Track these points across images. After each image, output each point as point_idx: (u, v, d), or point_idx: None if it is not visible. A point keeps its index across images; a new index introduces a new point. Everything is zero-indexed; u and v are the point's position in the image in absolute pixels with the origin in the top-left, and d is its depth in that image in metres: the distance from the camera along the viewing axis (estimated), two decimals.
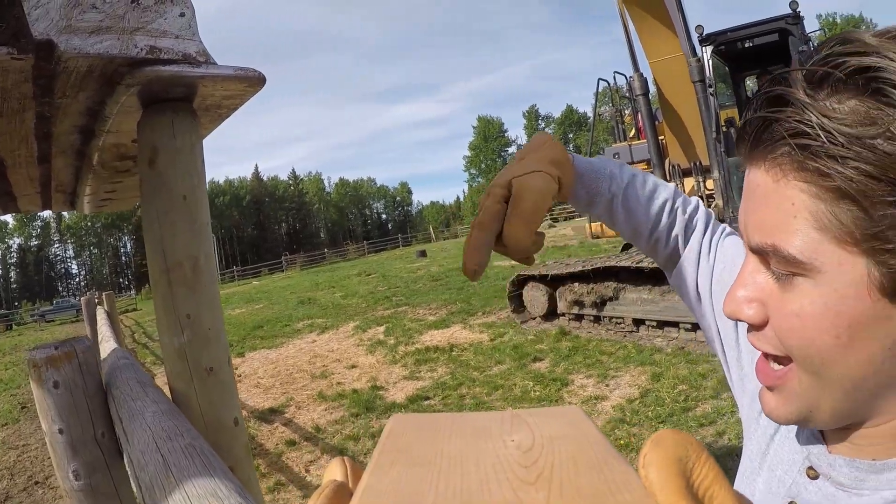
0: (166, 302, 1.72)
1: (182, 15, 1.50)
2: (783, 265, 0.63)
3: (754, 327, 0.69)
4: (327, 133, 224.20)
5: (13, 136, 1.89)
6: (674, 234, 1.07)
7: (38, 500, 6.93)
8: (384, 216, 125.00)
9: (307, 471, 6.38)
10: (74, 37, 1.33)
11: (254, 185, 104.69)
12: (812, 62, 0.60)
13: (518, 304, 11.71)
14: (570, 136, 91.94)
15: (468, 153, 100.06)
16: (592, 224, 10.91)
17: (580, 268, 9.90)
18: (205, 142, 1.89)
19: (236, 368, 11.88)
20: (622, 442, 5.73)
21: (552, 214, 52.13)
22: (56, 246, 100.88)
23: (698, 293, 1.04)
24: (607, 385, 7.51)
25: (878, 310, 0.59)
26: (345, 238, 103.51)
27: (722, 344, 1.01)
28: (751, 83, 11.89)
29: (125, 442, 1.46)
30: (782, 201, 0.61)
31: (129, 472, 1.33)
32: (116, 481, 1.73)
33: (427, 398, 8.08)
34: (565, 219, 47.70)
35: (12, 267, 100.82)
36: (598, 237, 11.05)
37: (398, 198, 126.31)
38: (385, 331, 13.13)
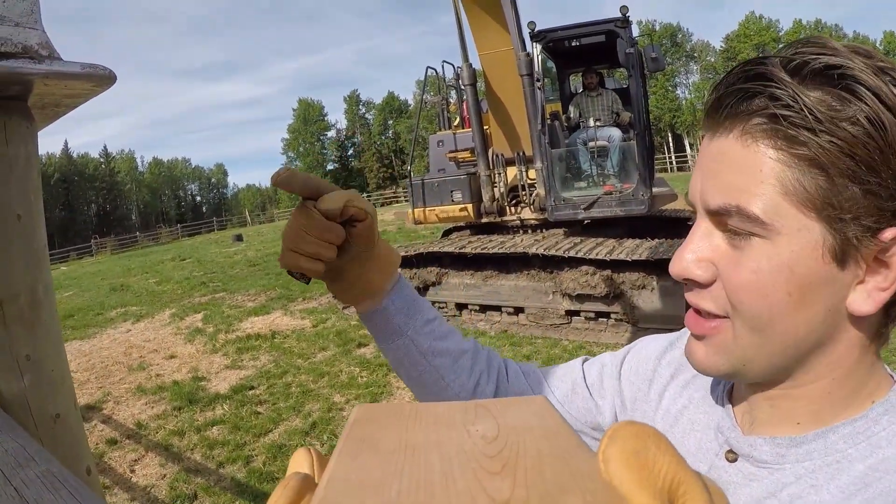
0: (0, 341, 1.48)
1: None
2: (745, 224, 0.67)
3: (699, 286, 0.73)
4: (141, 110, 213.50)
5: None
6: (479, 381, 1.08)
7: None
8: (199, 198, 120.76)
9: (132, 471, 6.05)
10: None
11: (63, 162, 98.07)
12: (787, 53, 0.67)
13: None
14: (390, 122, 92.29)
15: (287, 136, 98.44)
16: (416, 210, 11.03)
17: (403, 252, 10.00)
18: None
19: None
20: None
21: (369, 200, 52.45)
22: None
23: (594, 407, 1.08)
24: None
25: (826, 273, 0.65)
26: (157, 221, 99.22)
27: (613, 406, 1.05)
28: (574, 80, 12.36)
29: None
30: (751, 166, 0.66)
31: None
32: None
33: (252, 387, 7.91)
34: (382, 204, 47.93)
35: None
36: (420, 223, 11.19)
37: (213, 179, 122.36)
38: (203, 318, 12.72)
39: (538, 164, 9.58)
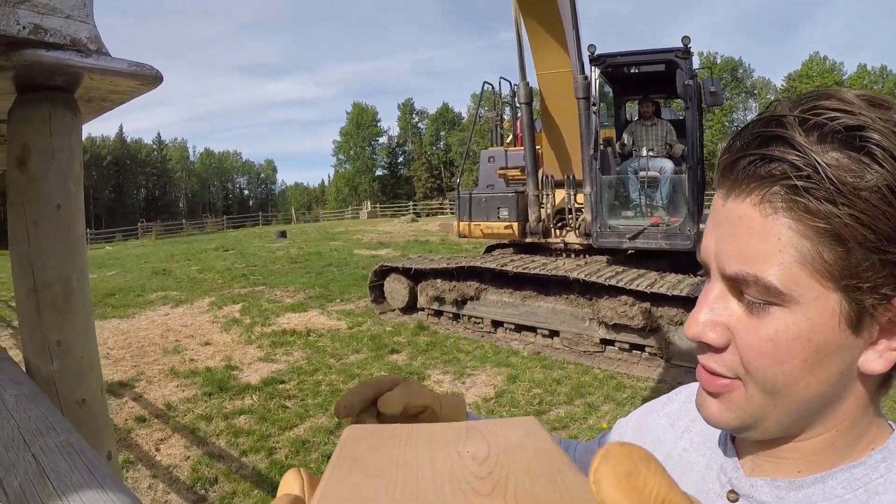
0: (33, 326, 1.54)
1: None
2: (761, 294, 0.67)
3: (713, 350, 0.73)
4: (196, 101, 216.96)
5: None
6: None
7: None
8: (246, 192, 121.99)
9: (157, 449, 6.15)
10: None
11: (116, 145, 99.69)
12: (799, 110, 0.65)
13: (378, 294, 11.73)
14: (442, 133, 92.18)
15: (339, 138, 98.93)
16: (461, 223, 11.04)
17: (444, 265, 10.05)
18: None
19: None
20: None
21: (414, 209, 52.21)
22: None
23: None
24: (464, 382, 7.63)
25: (842, 339, 0.66)
26: (204, 210, 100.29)
27: None
28: (630, 107, 12.28)
29: None
30: (769, 235, 0.66)
31: None
32: None
33: (282, 381, 7.97)
34: (427, 214, 47.99)
35: None
36: (464, 236, 11.19)
37: (262, 175, 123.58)
38: (241, 309, 12.85)
39: (587, 189, 9.49)
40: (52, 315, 1.53)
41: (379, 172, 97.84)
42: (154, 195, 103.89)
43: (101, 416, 1.70)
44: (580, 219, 9.86)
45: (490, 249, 11.82)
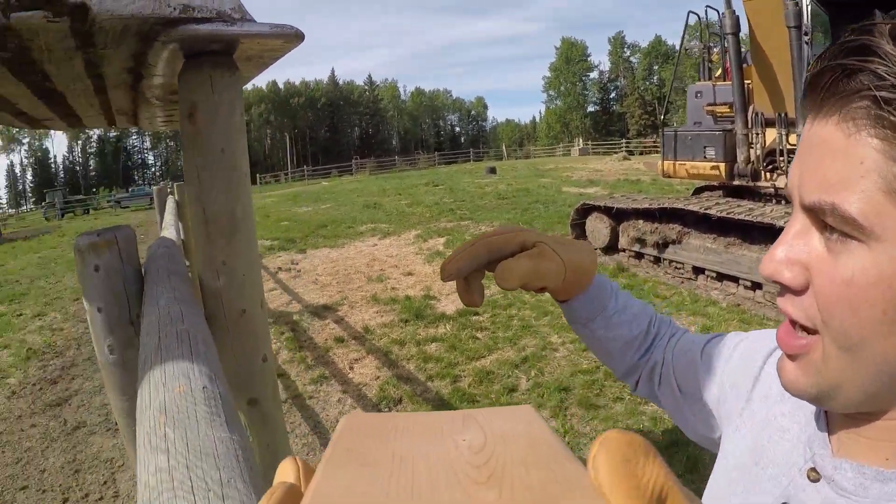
0: (205, 249, 1.84)
1: None
2: (841, 226, 0.59)
3: (791, 291, 0.65)
4: (405, 42, 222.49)
5: (66, 75, 1.97)
6: (656, 342, 1.11)
7: (99, 369, 7.29)
8: (458, 129, 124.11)
9: (351, 368, 6.63)
10: None
11: (329, 88, 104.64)
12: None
13: (580, 233, 11.55)
14: (655, 67, 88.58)
15: (548, 74, 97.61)
16: (665, 162, 10.68)
17: (646, 205, 9.76)
18: None
19: (297, 264, 12.21)
20: None
21: (627, 147, 51.09)
22: (133, 137, 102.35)
23: (687, 374, 1.05)
24: None
25: None
26: (416, 147, 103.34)
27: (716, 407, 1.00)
28: None
29: (141, 325, 1.57)
30: (851, 158, 0.57)
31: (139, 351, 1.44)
32: None
33: (476, 314, 8.15)
34: (641, 152, 46.87)
35: (91, 156, 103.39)
36: (668, 176, 10.83)
37: (473, 112, 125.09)
38: (445, 242, 13.21)
39: (800, 128, 8.90)
40: (220, 240, 1.83)
41: (590, 109, 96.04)
42: (367, 133, 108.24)
43: (259, 325, 1.98)
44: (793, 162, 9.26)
45: (699, 191, 11.37)
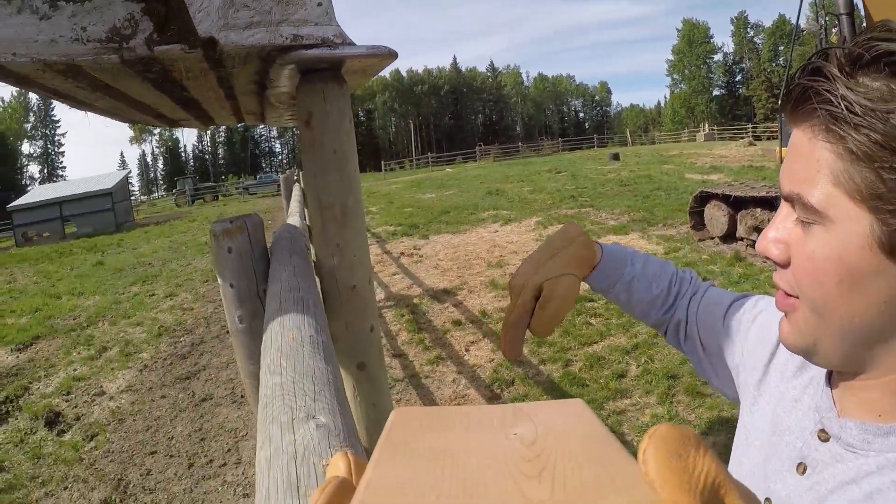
0: (320, 234, 2.15)
1: (320, 4, 1.79)
2: (804, 212, 0.71)
3: (779, 265, 0.78)
4: (527, 27, 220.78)
5: (202, 87, 2.28)
6: (679, 298, 1.22)
7: (227, 346, 7.89)
8: (581, 115, 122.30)
9: (467, 350, 6.84)
10: (231, 32, 1.66)
11: (452, 75, 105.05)
12: (854, 42, 0.68)
13: (698, 220, 11.40)
14: (781, 48, 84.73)
15: (671, 57, 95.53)
16: (783, 149, 10.41)
17: (765, 193, 9.55)
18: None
19: (419, 249, 12.52)
20: None
21: (754, 132, 49.18)
22: (261, 126, 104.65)
23: (720, 343, 1.14)
24: None
25: (876, 264, 0.67)
26: (540, 133, 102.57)
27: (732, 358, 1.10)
28: None
29: (269, 293, 1.85)
30: (811, 157, 0.70)
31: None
32: None
33: (591, 300, 8.14)
34: (768, 138, 45.12)
35: (220, 144, 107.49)
36: None
37: (597, 97, 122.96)
38: None
39: None
40: (333, 226, 2.14)
41: (716, 92, 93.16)
42: (491, 120, 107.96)
43: (367, 298, 2.28)
44: None
45: None
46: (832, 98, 0.67)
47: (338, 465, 0.40)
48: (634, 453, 0.31)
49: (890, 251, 0.66)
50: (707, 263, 9.73)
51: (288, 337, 1.25)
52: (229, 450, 5.30)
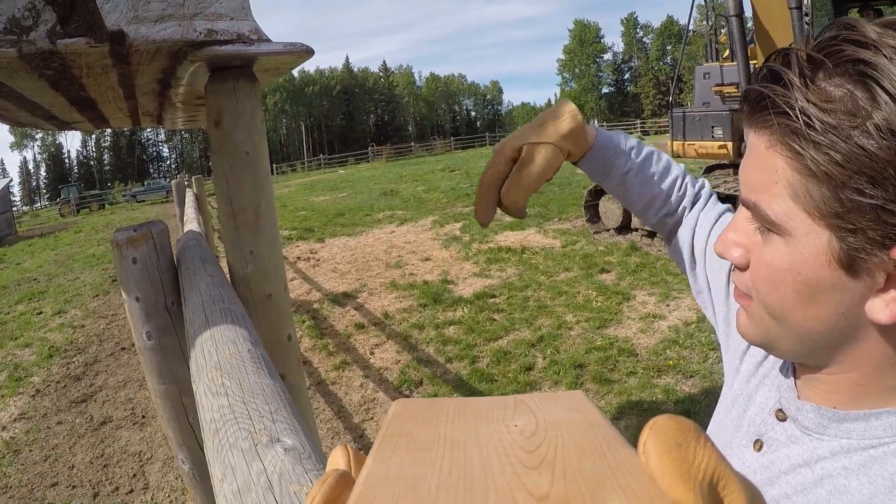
0: (233, 240, 2.06)
1: None
2: (762, 221, 0.70)
3: (738, 268, 0.77)
4: (419, 27, 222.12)
5: (101, 86, 2.17)
6: (682, 206, 1.18)
7: (123, 364, 7.55)
8: (473, 114, 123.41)
9: (372, 353, 6.80)
10: (142, 26, 1.55)
11: (344, 75, 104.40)
12: (817, 43, 0.66)
13: (593, 214, 11.65)
14: (668, 47, 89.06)
15: (562, 56, 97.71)
16: (675, 142, 10.75)
17: None
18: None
19: (316, 253, 12.39)
20: (671, 363, 5.89)
21: (643, 127, 50.79)
22: (148, 130, 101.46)
23: (693, 256, 1.14)
24: (668, 305, 7.60)
25: (833, 279, 0.66)
26: (433, 133, 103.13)
27: (713, 303, 1.11)
28: (852, 15, 11.29)
29: (185, 306, 1.76)
30: (769, 166, 0.68)
31: (186, 329, 1.65)
32: (181, 342, 2.01)
33: (493, 296, 8.31)
34: (656, 132, 46.62)
35: (106, 149, 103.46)
36: (678, 157, 10.89)
37: (488, 96, 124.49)
38: (462, 227, 13.36)
39: None
40: (247, 232, 2.04)
41: (605, 90, 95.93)
42: (383, 120, 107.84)
43: (283, 307, 2.20)
44: None
45: (710, 170, 11.40)
46: (789, 111, 0.64)
47: (337, 459, 0.39)
48: (635, 444, 0.31)
49: (849, 267, 0.65)
50: (604, 255, 9.98)
51: (225, 353, 1.17)
52: (135, 475, 5.07)
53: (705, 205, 1.18)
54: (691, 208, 1.19)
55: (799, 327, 0.71)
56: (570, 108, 1.12)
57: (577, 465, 0.30)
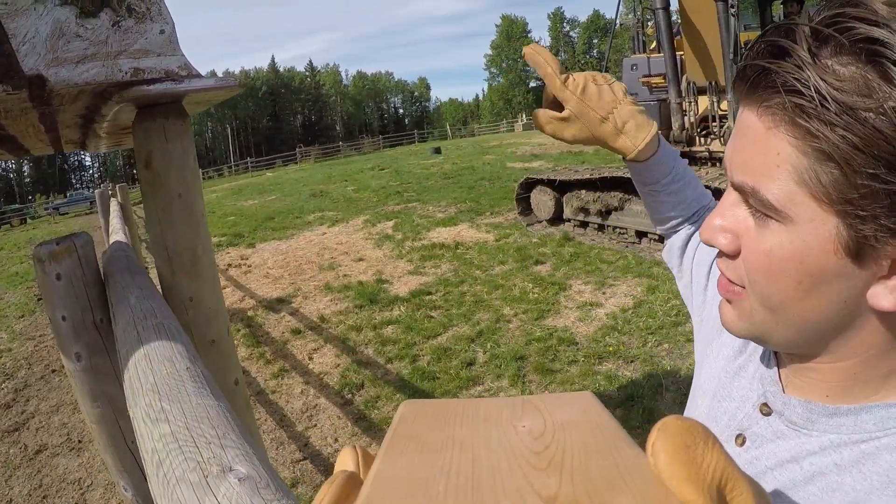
0: (170, 286, 1.97)
1: (162, 32, 1.63)
2: (760, 206, 0.65)
3: (726, 255, 0.73)
4: (345, 25, 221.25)
5: (21, 124, 2.08)
6: (700, 213, 1.21)
7: (55, 387, 7.28)
8: (401, 111, 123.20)
9: (310, 358, 6.73)
10: (62, 68, 1.47)
11: (270, 76, 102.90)
12: (821, 18, 0.60)
13: (525, 206, 11.83)
14: (595, 41, 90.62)
15: (489, 52, 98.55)
16: None
17: (588, 175, 9.95)
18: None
19: (247, 259, 12.17)
20: (611, 349, 5.97)
21: None
22: None
23: (684, 248, 1.18)
24: (604, 293, 7.71)
25: (839, 267, 0.62)
26: (361, 132, 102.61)
27: (692, 292, 1.12)
28: (776, 8, 11.56)
29: (114, 322, 1.67)
30: (769, 149, 0.63)
31: (117, 347, 1.56)
32: (113, 362, 1.91)
33: (429, 293, 8.33)
34: None
35: (25, 161, 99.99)
36: None
37: (416, 93, 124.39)
38: (394, 226, 13.35)
39: (730, 96, 9.14)
40: (184, 277, 1.96)
41: (533, 84, 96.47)
42: (311, 121, 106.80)
43: (228, 352, 2.14)
44: (725, 126, 9.52)
45: None
46: (802, 89, 0.59)
47: (346, 460, 0.39)
48: (643, 445, 0.31)
49: (857, 255, 0.61)
50: (538, 246, 10.05)
51: (162, 373, 1.10)
52: (76, 503, 4.90)
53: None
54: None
55: (797, 318, 0.68)
56: (654, 129, 1.12)
57: (585, 466, 0.30)
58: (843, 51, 0.58)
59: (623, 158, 1.16)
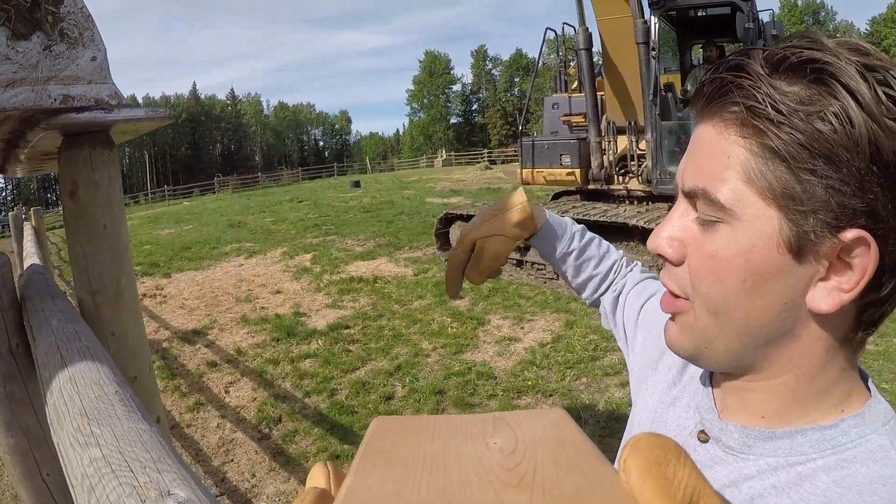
0: (93, 321, 1.90)
1: (94, 59, 1.61)
2: (709, 209, 0.69)
3: (671, 264, 0.76)
4: (269, 55, 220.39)
5: None
6: (616, 287, 1.30)
7: None
8: (321, 143, 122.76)
9: (226, 392, 6.59)
10: None
11: (190, 103, 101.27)
12: (776, 45, 0.68)
13: (444, 241, 11.89)
14: (517, 80, 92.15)
15: (412, 87, 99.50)
16: (524, 170, 11.06)
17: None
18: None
19: (162, 289, 11.88)
20: (529, 383, 6.03)
21: (490, 157, 52.10)
22: None
23: (616, 303, 1.28)
24: (522, 328, 7.79)
25: (781, 264, 0.66)
26: (280, 163, 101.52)
27: (625, 334, 1.21)
28: (696, 52, 11.97)
29: (33, 346, 1.64)
30: (721, 153, 0.68)
31: (37, 372, 1.52)
32: (30, 390, 1.86)
33: (347, 327, 8.28)
34: (503, 161, 47.89)
35: None
36: (528, 183, 11.20)
37: (337, 126, 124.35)
38: (312, 259, 13.25)
39: (648, 136, 9.41)
40: (108, 311, 1.91)
41: (453, 120, 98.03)
42: (230, 150, 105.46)
43: (151, 388, 2.12)
44: (643, 166, 9.77)
45: (557, 196, 11.82)
46: (756, 94, 0.65)
47: (317, 476, 0.39)
48: (615, 462, 0.32)
49: (797, 252, 0.65)
50: None
51: (90, 396, 1.07)
52: None
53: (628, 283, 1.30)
54: (619, 289, 1.30)
55: (740, 321, 0.70)
56: (521, 199, 1.26)
57: (557, 483, 0.30)
58: (791, 70, 0.64)
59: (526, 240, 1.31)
